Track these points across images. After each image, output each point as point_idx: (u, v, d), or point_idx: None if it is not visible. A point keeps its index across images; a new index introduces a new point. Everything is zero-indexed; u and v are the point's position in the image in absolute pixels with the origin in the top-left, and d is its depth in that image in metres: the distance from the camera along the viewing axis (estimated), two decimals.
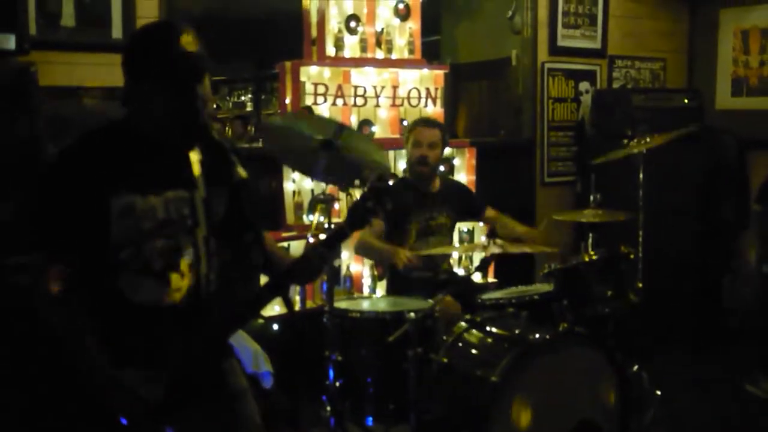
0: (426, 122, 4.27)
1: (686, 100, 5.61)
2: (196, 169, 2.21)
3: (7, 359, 2.88)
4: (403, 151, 4.34)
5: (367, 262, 4.56)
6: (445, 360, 3.17)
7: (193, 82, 2.09)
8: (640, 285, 3.85)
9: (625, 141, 4.09)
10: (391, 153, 4.68)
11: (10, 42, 3.21)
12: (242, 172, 2.07)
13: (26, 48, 3.27)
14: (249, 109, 8.36)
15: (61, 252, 2.09)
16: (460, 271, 4.55)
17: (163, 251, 2.15)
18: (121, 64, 2.14)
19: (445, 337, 3.26)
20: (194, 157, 2.21)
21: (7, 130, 3.15)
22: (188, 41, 2.09)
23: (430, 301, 3.38)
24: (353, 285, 4.59)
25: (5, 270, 2.77)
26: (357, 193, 3.07)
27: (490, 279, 4.92)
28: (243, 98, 8.44)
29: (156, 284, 2.15)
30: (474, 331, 3.27)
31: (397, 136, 4.75)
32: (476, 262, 4.44)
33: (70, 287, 2.08)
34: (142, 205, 2.11)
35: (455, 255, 4.81)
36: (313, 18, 4.67)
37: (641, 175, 4.10)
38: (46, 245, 2.10)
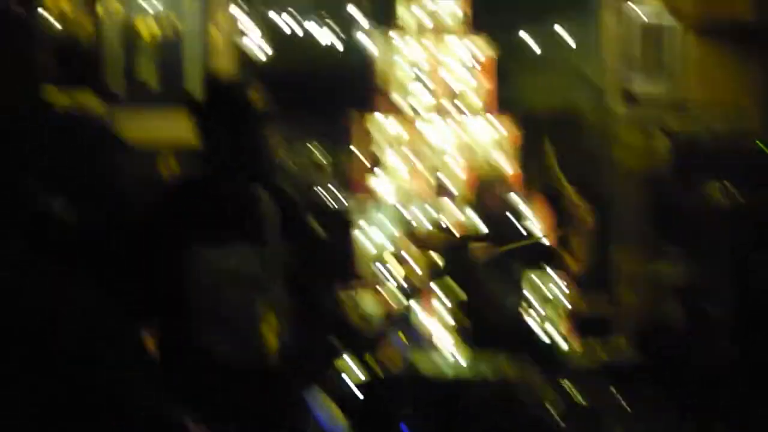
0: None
1: (764, 147, 5.46)
2: (269, 223, 2.22)
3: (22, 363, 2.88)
4: None
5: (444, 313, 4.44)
6: None
7: (256, 125, 2.14)
8: None
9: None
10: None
11: (92, 99, 3.32)
12: (315, 225, 2.07)
13: (108, 105, 3.38)
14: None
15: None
16: None
17: (235, 306, 2.15)
18: (188, 115, 2.21)
19: None
20: (267, 211, 2.23)
21: (91, 189, 3.22)
22: (252, 92, 2.16)
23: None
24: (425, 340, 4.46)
25: None
26: None
27: None
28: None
29: (229, 339, 2.15)
30: None
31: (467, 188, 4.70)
32: None
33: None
34: (217, 258, 2.13)
35: None
36: (383, 69, 4.71)
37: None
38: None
